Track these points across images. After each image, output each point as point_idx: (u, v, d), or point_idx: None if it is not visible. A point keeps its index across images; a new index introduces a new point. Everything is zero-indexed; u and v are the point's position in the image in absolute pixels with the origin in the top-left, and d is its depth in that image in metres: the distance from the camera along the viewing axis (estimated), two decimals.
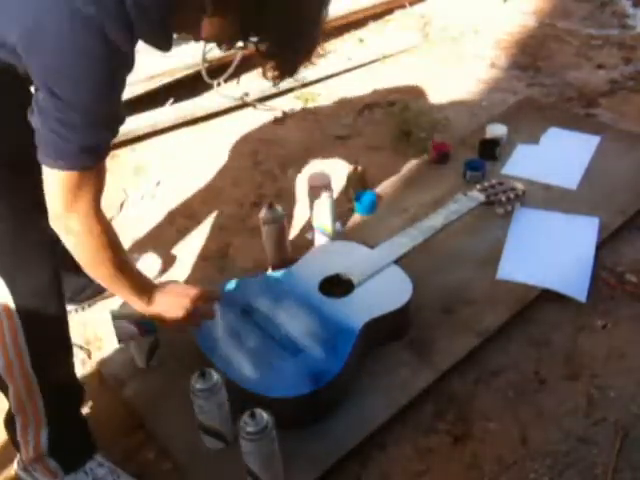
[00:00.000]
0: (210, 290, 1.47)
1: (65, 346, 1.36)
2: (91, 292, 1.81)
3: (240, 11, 1.03)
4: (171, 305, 1.35)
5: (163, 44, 1.12)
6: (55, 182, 1.11)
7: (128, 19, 1.01)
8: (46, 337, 1.28)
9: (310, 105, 2.74)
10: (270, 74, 1.13)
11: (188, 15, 1.06)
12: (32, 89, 1.11)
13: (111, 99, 1.08)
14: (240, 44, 1.11)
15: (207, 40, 1.16)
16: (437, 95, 2.69)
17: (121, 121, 1.13)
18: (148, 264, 1.89)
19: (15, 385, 1.27)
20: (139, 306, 1.34)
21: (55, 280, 1.28)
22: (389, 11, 3.35)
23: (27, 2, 1.00)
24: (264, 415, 1.26)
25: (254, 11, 1.02)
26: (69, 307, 1.75)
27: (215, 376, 1.35)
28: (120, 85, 1.09)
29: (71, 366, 1.39)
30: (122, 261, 1.25)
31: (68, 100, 1.03)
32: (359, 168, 2.24)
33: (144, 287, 1.33)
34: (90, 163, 1.11)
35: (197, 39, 1.15)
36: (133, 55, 1.07)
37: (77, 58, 1.01)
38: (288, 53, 1.10)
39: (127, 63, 1.08)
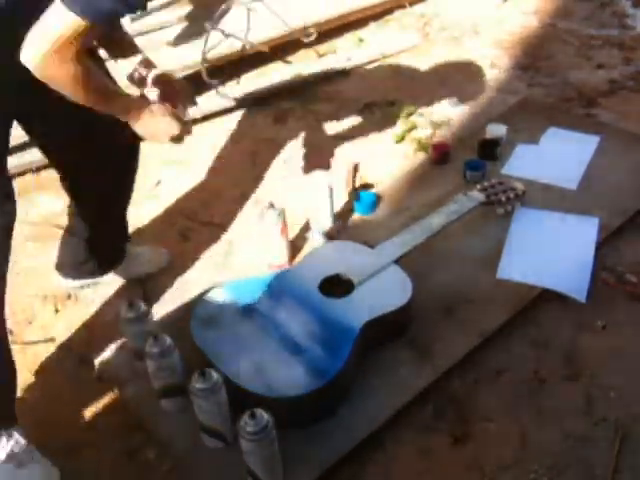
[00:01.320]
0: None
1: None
2: (92, 266, 1.83)
3: None
4: (158, 126, 1.46)
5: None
6: (60, 22, 1.17)
7: None
8: None
9: (310, 105, 2.74)
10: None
11: None
12: None
13: None
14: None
15: None
16: (437, 95, 2.69)
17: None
18: (156, 255, 1.93)
19: None
20: (129, 122, 1.44)
21: None
22: (389, 11, 3.35)
23: None
24: (264, 415, 1.26)
25: None
26: (72, 283, 1.84)
27: (215, 376, 1.35)
28: None
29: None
30: (105, 87, 1.36)
31: None
32: (359, 168, 2.24)
33: (130, 106, 1.43)
34: (109, 16, 1.22)
35: None
36: None
37: None
38: None
39: None
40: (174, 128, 1.46)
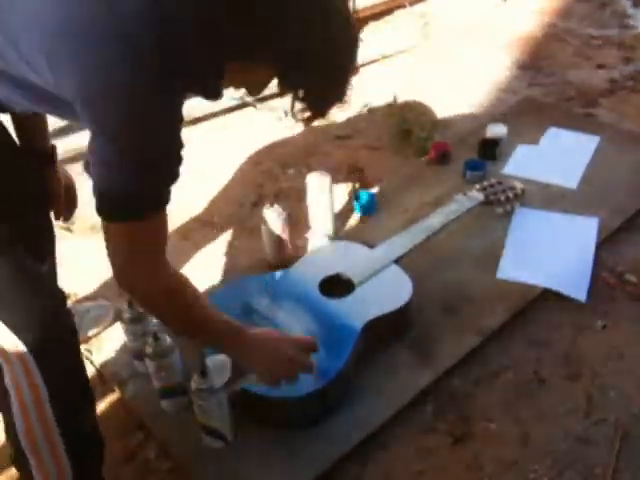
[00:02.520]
0: (309, 340, 1.33)
1: (86, 389, 1.27)
2: None
3: (279, 60, 1.00)
4: (269, 354, 1.24)
5: (215, 94, 1.07)
6: (115, 236, 1.04)
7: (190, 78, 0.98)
8: (64, 376, 1.18)
9: None
10: (301, 116, 1.09)
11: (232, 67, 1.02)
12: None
13: (173, 140, 1.02)
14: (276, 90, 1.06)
15: (240, 87, 1.13)
16: (437, 95, 2.69)
17: (180, 164, 1.05)
18: (98, 314, 1.78)
19: (33, 440, 1.16)
20: (230, 354, 1.29)
21: (58, 309, 1.20)
22: (389, 11, 3.35)
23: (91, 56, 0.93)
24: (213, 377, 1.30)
25: (294, 62, 0.99)
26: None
27: (215, 377, 1.35)
28: (180, 123, 1.03)
29: (94, 414, 1.29)
30: (202, 315, 1.17)
31: (127, 148, 0.97)
32: (359, 168, 2.24)
33: (233, 335, 1.22)
34: (151, 211, 1.04)
35: (234, 87, 1.12)
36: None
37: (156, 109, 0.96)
38: (322, 99, 1.07)
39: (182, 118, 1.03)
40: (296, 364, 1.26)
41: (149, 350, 1.42)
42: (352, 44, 1.04)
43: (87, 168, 1.03)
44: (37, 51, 0.95)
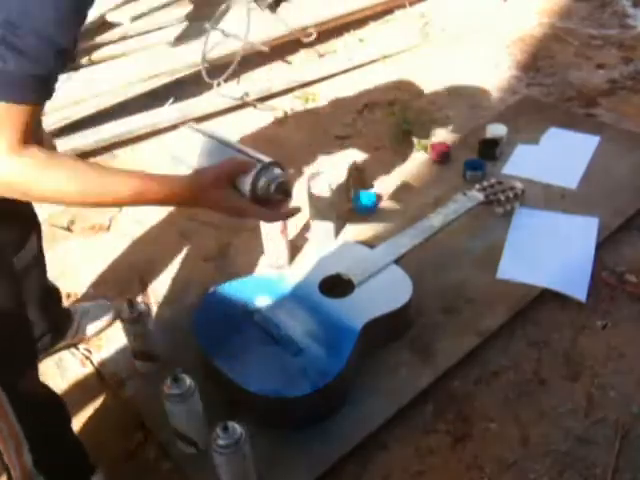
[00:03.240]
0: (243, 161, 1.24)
1: (30, 350, 1.23)
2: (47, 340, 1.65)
3: None
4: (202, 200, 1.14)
5: None
6: (5, 118, 0.90)
7: None
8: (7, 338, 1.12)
9: (310, 105, 2.74)
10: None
11: None
12: None
13: (75, 26, 0.95)
14: None
15: None
16: (437, 95, 2.69)
17: (73, 52, 0.96)
18: (98, 314, 1.76)
19: None
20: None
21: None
22: (389, 11, 3.35)
23: None
24: (237, 428, 1.24)
25: None
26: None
27: (188, 382, 1.33)
28: (83, 17, 0.97)
29: (36, 375, 1.24)
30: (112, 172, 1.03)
31: (20, 23, 0.87)
32: (359, 168, 2.24)
33: (174, 187, 1.10)
34: (46, 95, 0.94)
35: None
36: None
37: None
38: None
39: None
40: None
41: (166, 391, 1.35)
42: None
43: None
44: None
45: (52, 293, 1.67)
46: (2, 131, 0.91)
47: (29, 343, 1.25)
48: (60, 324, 1.68)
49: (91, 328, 1.74)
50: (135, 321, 1.53)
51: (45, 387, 1.27)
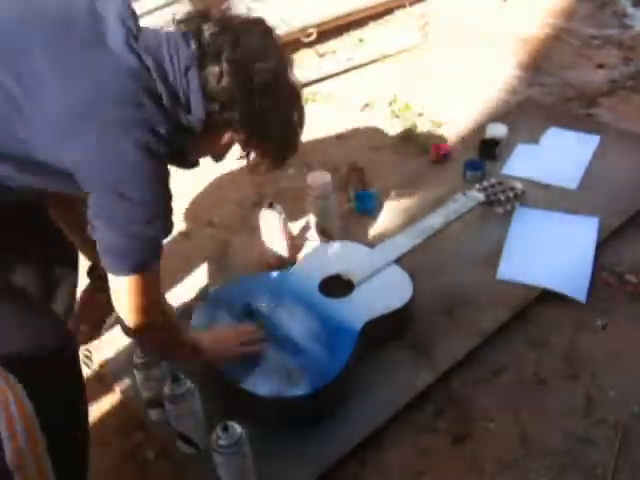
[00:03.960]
0: (253, 329, 1.50)
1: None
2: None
3: (248, 127, 1.19)
4: (222, 352, 1.44)
5: (189, 165, 1.27)
6: (121, 288, 1.16)
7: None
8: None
9: (310, 105, 2.74)
10: (262, 168, 1.30)
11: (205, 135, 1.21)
12: None
13: (169, 194, 1.16)
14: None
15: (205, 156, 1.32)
16: (437, 95, 2.69)
17: (172, 214, 1.19)
18: None
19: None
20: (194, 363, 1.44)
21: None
22: (389, 11, 3.35)
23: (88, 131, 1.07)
24: (237, 428, 1.25)
25: (259, 127, 1.19)
26: None
27: (188, 382, 1.34)
28: (170, 194, 1.17)
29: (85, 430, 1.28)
30: (183, 342, 1.35)
31: (133, 201, 1.09)
32: (359, 168, 2.24)
33: (197, 350, 1.39)
34: (153, 261, 1.17)
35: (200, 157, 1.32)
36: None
37: (149, 173, 1.11)
38: (279, 152, 1.27)
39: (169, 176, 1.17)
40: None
41: (166, 391, 1.36)
42: (300, 112, 1.27)
43: (92, 231, 1.15)
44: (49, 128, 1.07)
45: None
46: (149, 294, 1.19)
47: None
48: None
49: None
50: (149, 366, 1.43)
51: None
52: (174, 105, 1.12)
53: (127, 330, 1.23)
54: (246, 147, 1.24)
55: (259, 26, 1.20)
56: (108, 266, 1.15)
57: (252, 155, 1.26)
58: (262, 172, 1.30)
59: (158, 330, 1.25)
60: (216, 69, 1.12)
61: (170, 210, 1.16)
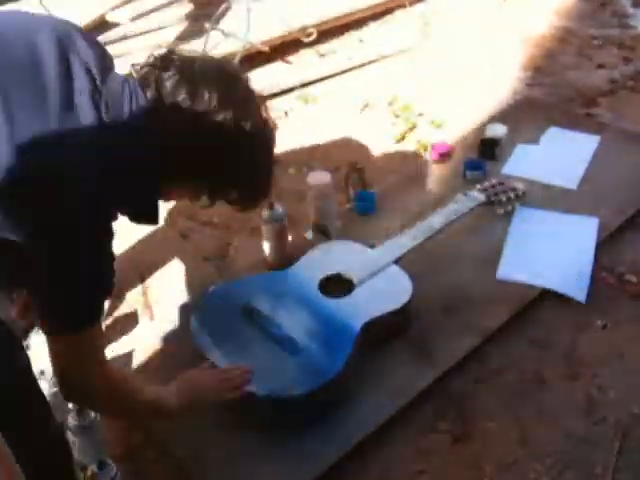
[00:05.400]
0: (237, 374, 1.42)
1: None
2: None
3: (210, 178, 1.17)
4: (195, 404, 1.37)
5: (152, 218, 1.25)
6: (64, 348, 1.13)
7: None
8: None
9: (310, 105, 2.74)
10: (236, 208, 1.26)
11: (167, 189, 1.21)
12: None
13: (111, 255, 1.14)
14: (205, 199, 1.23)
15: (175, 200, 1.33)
16: (437, 95, 2.69)
17: (114, 274, 1.16)
18: None
19: None
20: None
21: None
22: (389, 11, 3.35)
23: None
24: (113, 467, 1.27)
25: (222, 177, 1.17)
26: None
27: (92, 414, 1.33)
28: (112, 254, 1.15)
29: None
30: (142, 401, 1.27)
31: (74, 267, 1.07)
32: (359, 168, 2.24)
33: (167, 405, 1.32)
34: (94, 320, 1.14)
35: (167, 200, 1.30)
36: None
37: (89, 235, 1.08)
38: (251, 199, 1.24)
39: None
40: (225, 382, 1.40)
41: (70, 422, 1.35)
42: (270, 150, 1.22)
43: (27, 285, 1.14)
44: None
45: None
46: (86, 355, 1.15)
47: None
48: None
49: None
50: (86, 430, 1.37)
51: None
52: (130, 160, 1.10)
53: (63, 389, 1.18)
54: (211, 196, 1.21)
55: (220, 73, 1.17)
56: (44, 326, 1.12)
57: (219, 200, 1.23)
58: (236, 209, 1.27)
59: (99, 394, 1.19)
60: (173, 117, 1.10)
61: (110, 271, 1.13)
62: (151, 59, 1.17)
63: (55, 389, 1.43)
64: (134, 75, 1.16)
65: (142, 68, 1.16)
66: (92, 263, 1.09)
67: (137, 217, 1.23)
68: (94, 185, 1.05)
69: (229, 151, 1.14)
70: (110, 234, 1.13)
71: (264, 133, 1.20)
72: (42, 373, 1.45)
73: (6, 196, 1.01)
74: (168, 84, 1.12)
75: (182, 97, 1.10)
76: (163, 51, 1.19)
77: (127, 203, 1.17)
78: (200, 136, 1.11)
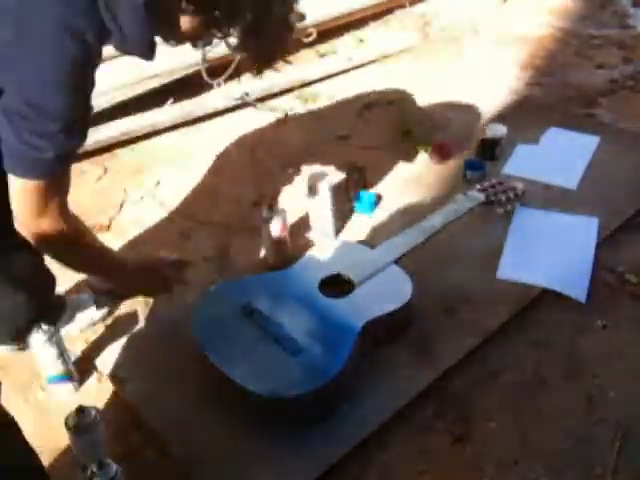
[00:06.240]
0: (177, 260, 1.61)
1: None
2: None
3: (214, 4, 1.08)
4: (147, 281, 1.49)
5: (146, 51, 1.16)
6: (26, 191, 1.13)
7: (101, 22, 1.06)
8: None
9: (310, 105, 2.74)
10: (251, 67, 1.19)
11: (165, 17, 1.12)
12: None
13: (86, 103, 1.11)
14: (215, 40, 1.16)
15: (183, 41, 1.21)
16: (437, 95, 2.69)
17: (89, 125, 1.15)
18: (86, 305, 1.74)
19: None
20: (118, 285, 1.45)
21: None
22: (389, 11, 3.35)
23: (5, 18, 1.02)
24: (113, 467, 1.26)
25: (226, 3, 1.07)
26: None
27: (93, 413, 1.33)
28: (92, 87, 1.12)
29: None
30: (97, 248, 1.34)
31: (47, 109, 1.05)
32: (359, 168, 2.24)
33: (120, 266, 1.42)
34: (62, 168, 1.15)
35: (174, 41, 1.21)
36: (101, 52, 1.10)
37: (60, 66, 1.03)
38: (263, 41, 1.14)
39: (97, 62, 1.11)
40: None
41: (69, 422, 1.33)
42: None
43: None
44: None
45: (46, 280, 1.67)
46: (52, 199, 1.17)
47: None
48: (51, 312, 1.67)
49: (83, 319, 1.72)
50: (84, 430, 1.34)
51: None
52: None
53: (27, 232, 1.21)
54: (214, 28, 1.14)
55: None
56: (10, 168, 1.12)
57: (231, 43, 1.16)
58: (251, 69, 1.21)
59: (63, 233, 1.22)
60: None
61: (82, 120, 1.12)
62: None
63: (55, 338, 1.50)
64: None
65: None
66: (66, 109, 1.07)
67: (129, 44, 1.15)
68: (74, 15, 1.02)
69: None
70: (88, 81, 1.10)
71: None
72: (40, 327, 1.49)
73: None
74: None
75: None
76: None
77: (119, 25, 1.08)
78: None
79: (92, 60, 1.10)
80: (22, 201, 1.16)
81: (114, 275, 1.43)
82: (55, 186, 1.16)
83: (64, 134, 1.09)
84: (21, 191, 1.14)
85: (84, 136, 1.16)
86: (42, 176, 1.13)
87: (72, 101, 1.08)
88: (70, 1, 1.03)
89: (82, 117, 1.12)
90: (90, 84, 1.12)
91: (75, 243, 1.28)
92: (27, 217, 1.17)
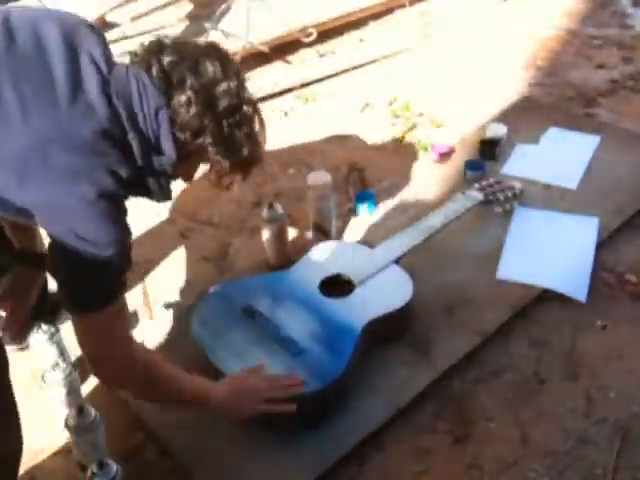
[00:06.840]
0: (289, 378, 1.40)
1: None
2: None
3: (216, 152, 1.21)
4: (240, 407, 1.37)
5: (165, 197, 1.25)
6: (90, 327, 1.16)
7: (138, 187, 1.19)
8: None
9: (310, 105, 2.74)
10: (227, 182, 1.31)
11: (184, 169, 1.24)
12: None
13: (127, 238, 1.18)
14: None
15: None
16: (437, 95, 2.69)
17: (130, 266, 1.20)
18: None
19: None
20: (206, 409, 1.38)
21: None
22: (389, 11, 3.34)
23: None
24: (113, 467, 1.26)
25: (226, 149, 1.22)
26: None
27: (93, 413, 1.34)
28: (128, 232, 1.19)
29: None
30: (177, 383, 1.29)
31: (92, 242, 1.10)
32: (359, 168, 2.24)
33: (205, 396, 1.34)
34: (117, 297, 1.17)
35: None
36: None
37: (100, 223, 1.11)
38: (247, 166, 1.34)
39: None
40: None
41: (69, 421, 1.34)
42: (262, 124, 1.38)
43: (50, 269, 1.19)
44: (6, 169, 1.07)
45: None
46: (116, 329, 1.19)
47: None
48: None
49: None
50: (85, 430, 1.35)
51: None
52: (145, 150, 1.14)
53: (101, 376, 1.25)
54: (217, 166, 1.25)
55: (214, 50, 1.24)
56: (70, 307, 1.15)
57: (223, 175, 1.28)
58: (227, 186, 1.31)
59: (134, 370, 1.22)
60: (183, 98, 1.14)
61: (127, 247, 1.17)
62: (145, 45, 1.20)
63: (71, 377, 1.46)
64: (133, 61, 1.20)
65: (138, 54, 1.20)
66: (110, 241, 1.13)
67: (154, 198, 1.26)
68: (110, 180, 1.10)
69: (234, 119, 1.21)
70: (123, 211, 1.17)
71: (255, 103, 1.31)
72: (56, 364, 1.47)
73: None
74: (167, 64, 1.15)
75: (186, 73, 1.15)
76: (154, 38, 1.23)
77: (146, 189, 1.20)
78: (208, 108, 1.16)
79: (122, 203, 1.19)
80: (86, 342, 1.17)
81: (209, 405, 1.36)
82: (113, 319, 1.17)
83: (110, 265, 1.13)
84: (79, 330, 1.17)
85: (128, 264, 1.19)
86: (95, 308, 1.14)
87: (112, 232, 1.14)
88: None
89: (123, 247, 1.16)
90: (125, 214, 1.19)
91: (153, 376, 1.25)
92: (95, 360, 1.19)
